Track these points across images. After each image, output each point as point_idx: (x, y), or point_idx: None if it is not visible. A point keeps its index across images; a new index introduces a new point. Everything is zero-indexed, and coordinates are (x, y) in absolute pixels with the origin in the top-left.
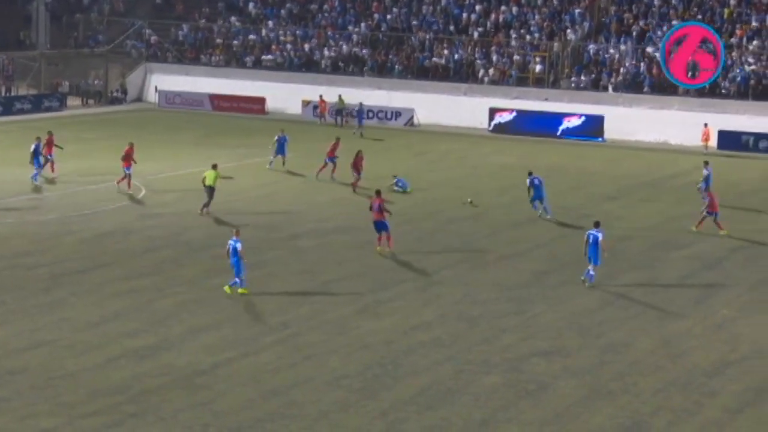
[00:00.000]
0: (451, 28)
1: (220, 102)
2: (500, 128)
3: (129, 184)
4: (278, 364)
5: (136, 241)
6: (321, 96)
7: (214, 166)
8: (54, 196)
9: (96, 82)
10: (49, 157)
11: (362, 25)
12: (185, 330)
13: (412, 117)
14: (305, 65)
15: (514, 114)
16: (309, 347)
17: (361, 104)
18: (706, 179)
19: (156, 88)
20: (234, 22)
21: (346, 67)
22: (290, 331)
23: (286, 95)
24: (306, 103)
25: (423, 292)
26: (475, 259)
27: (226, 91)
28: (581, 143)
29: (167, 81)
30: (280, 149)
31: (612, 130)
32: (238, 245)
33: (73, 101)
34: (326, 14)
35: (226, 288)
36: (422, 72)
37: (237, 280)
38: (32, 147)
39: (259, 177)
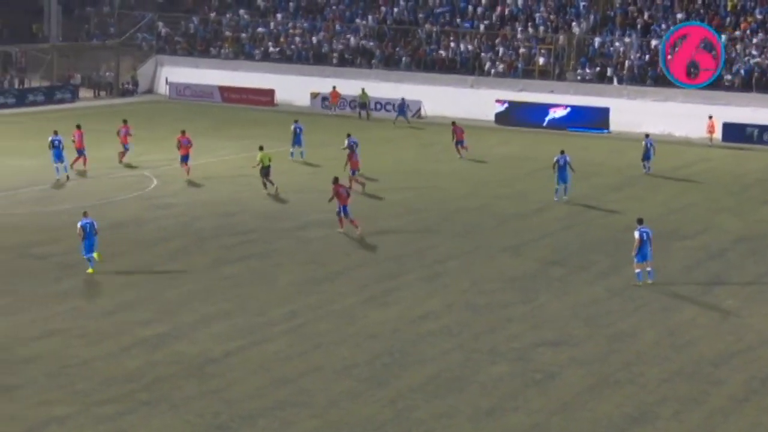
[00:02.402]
0: (458, 20)
1: (230, 94)
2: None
3: (187, 170)
4: (288, 352)
5: (148, 231)
6: (334, 87)
7: (261, 148)
8: (67, 186)
9: (107, 74)
10: (126, 146)
11: (369, 17)
12: (196, 319)
13: (419, 109)
14: (313, 57)
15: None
16: (318, 336)
17: (403, 99)
18: (647, 152)
19: (166, 80)
20: (243, 15)
21: (354, 59)
22: (299, 320)
23: (294, 87)
24: (314, 95)
25: (429, 282)
26: (482, 249)
27: (236, 83)
28: (585, 135)
29: (177, 73)
30: (296, 140)
31: (617, 122)
32: (96, 223)
33: (85, 93)
34: (334, 7)
35: (90, 270)
36: (429, 64)
37: (92, 255)
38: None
39: None
